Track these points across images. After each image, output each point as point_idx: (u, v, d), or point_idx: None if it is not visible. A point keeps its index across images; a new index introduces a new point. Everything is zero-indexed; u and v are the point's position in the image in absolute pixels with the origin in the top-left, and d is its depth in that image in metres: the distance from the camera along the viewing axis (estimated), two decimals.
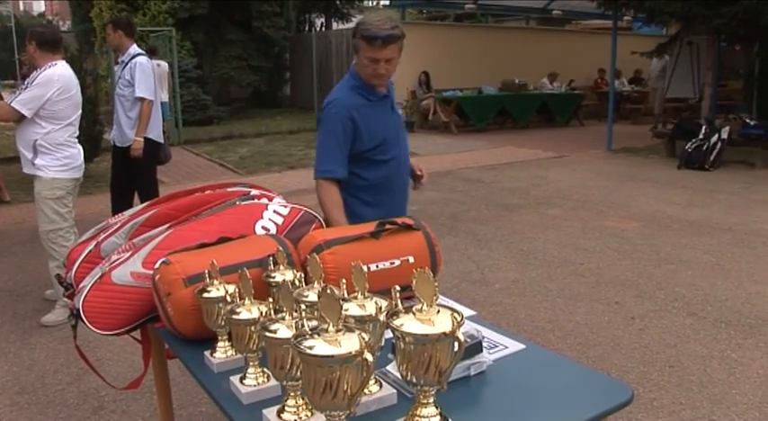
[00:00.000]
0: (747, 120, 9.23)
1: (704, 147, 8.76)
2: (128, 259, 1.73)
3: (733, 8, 8.50)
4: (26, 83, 3.71)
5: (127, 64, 4.72)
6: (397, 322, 1.11)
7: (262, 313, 1.35)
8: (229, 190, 2.10)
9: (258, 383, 1.37)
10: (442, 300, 1.60)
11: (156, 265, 1.63)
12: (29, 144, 3.69)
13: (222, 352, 1.52)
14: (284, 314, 1.23)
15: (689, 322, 3.70)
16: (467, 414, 1.27)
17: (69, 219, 3.84)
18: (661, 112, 12.93)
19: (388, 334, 1.20)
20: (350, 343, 1.05)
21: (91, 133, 7.54)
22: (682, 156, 8.91)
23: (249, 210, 1.92)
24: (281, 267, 1.60)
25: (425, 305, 1.13)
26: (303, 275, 1.54)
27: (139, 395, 2.93)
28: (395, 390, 1.31)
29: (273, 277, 1.57)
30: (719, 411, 2.76)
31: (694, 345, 3.40)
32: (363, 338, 1.07)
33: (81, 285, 1.75)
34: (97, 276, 1.71)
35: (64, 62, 3.81)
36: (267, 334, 1.19)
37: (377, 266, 1.68)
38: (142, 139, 4.70)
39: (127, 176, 4.89)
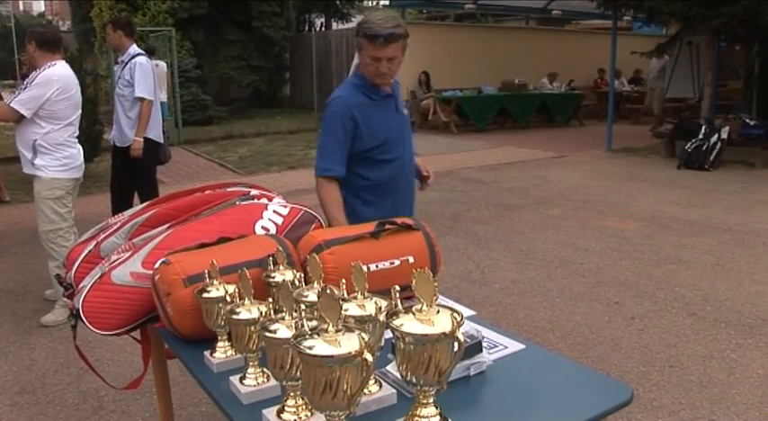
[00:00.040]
0: (747, 120, 9.23)
1: (704, 147, 8.76)
2: (127, 259, 1.73)
3: (733, 8, 8.50)
4: (25, 83, 3.71)
5: (126, 64, 4.72)
6: (396, 322, 1.11)
7: (261, 313, 1.35)
8: (229, 190, 2.10)
9: (258, 383, 1.37)
10: (442, 300, 1.60)
11: (156, 265, 1.63)
12: (28, 144, 3.69)
13: (222, 352, 1.52)
14: (284, 314, 1.23)
15: (689, 322, 3.70)
16: (466, 414, 1.27)
17: (69, 219, 3.84)
18: (661, 112, 12.93)
19: (388, 334, 1.20)
20: (350, 343, 1.05)
21: (91, 133, 7.54)
22: (681, 156, 8.92)
23: (249, 210, 1.92)
24: (281, 267, 1.60)
25: (425, 305, 1.13)
26: (303, 275, 1.54)
27: (139, 395, 2.93)
28: (395, 390, 1.31)
29: (273, 277, 1.57)
30: (719, 411, 2.76)
31: (694, 345, 3.40)
32: (363, 338, 1.07)
33: (81, 285, 1.75)
34: (97, 276, 1.71)
35: (64, 62, 3.80)
36: (267, 334, 1.19)
37: (377, 266, 1.68)
38: (142, 139, 4.70)
39: (127, 176, 4.89)
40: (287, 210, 1.95)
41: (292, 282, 1.50)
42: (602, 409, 1.29)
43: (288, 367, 1.18)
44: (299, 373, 1.16)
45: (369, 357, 1.05)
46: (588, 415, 1.27)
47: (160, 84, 8.86)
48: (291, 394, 1.23)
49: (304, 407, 1.22)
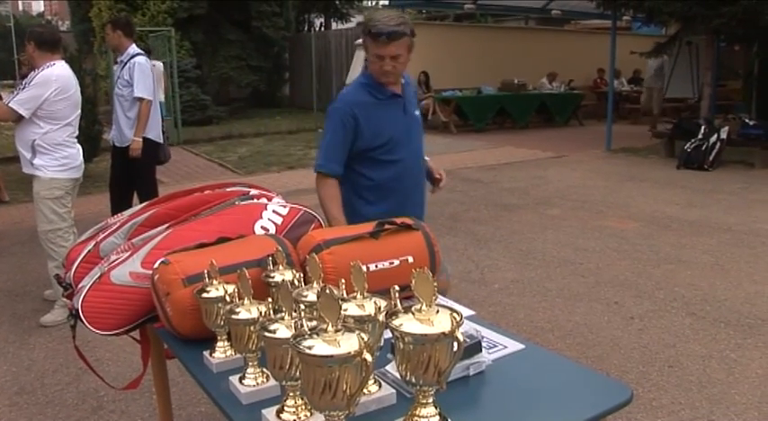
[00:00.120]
0: (746, 120, 9.23)
1: (703, 148, 8.77)
2: (127, 259, 1.72)
3: (732, 8, 8.51)
4: (24, 83, 3.71)
5: (126, 64, 4.72)
6: (396, 322, 1.11)
7: (261, 313, 1.35)
8: (228, 190, 2.09)
9: (257, 383, 1.37)
10: (441, 300, 1.60)
11: (155, 265, 1.63)
12: (27, 144, 3.69)
13: (221, 352, 1.52)
14: (283, 314, 1.23)
15: (688, 322, 3.70)
16: (466, 414, 1.26)
17: (68, 219, 3.84)
18: (660, 112, 12.93)
19: (388, 334, 1.20)
20: (349, 343, 1.05)
21: (90, 133, 7.54)
22: (681, 157, 8.92)
23: (248, 209, 1.92)
24: (281, 267, 1.60)
25: (424, 305, 1.13)
26: (302, 275, 1.54)
27: (138, 395, 2.93)
28: (394, 390, 1.31)
29: (273, 277, 1.57)
30: (719, 411, 2.76)
31: (693, 345, 3.40)
32: (362, 338, 1.07)
33: (80, 285, 1.75)
34: (96, 276, 1.71)
35: (63, 62, 3.80)
36: (266, 334, 1.19)
37: (376, 266, 1.68)
38: (141, 139, 4.70)
39: (126, 176, 4.89)
40: (286, 209, 1.94)
41: (292, 282, 1.50)
42: (601, 409, 1.29)
43: (287, 367, 1.18)
44: (298, 373, 1.16)
45: (368, 357, 1.05)
46: (588, 415, 1.27)
47: (158, 84, 8.85)
48: (291, 394, 1.23)
49: (303, 407, 1.22)
